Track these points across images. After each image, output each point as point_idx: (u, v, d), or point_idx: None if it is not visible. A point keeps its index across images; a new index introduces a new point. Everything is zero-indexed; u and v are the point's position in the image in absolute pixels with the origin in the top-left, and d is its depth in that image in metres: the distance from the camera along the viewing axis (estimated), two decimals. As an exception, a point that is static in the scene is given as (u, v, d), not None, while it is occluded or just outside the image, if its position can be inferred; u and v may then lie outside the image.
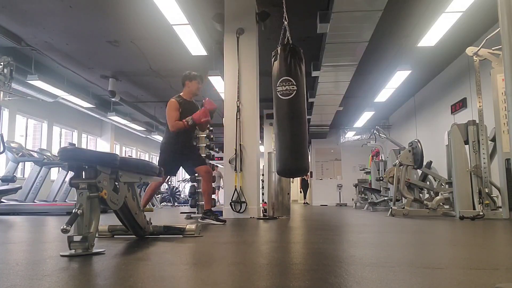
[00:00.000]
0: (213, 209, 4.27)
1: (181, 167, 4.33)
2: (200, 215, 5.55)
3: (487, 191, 5.11)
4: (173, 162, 4.08)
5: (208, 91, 8.99)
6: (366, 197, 10.61)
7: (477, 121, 5.35)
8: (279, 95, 3.68)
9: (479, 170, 5.18)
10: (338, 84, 9.11)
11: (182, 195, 15.47)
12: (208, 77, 7.86)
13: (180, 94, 4.20)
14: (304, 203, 17.17)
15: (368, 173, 12.30)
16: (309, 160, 4.02)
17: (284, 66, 3.72)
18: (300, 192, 17.52)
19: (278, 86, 3.68)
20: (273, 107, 3.76)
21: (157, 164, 4.16)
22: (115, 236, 2.60)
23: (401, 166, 6.17)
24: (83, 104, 10.18)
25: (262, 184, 8.21)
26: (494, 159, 5.37)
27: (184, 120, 3.96)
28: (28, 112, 10.40)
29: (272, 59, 3.79)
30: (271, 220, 4.95)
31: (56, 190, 7.47)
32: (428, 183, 6.90)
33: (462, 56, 7.80)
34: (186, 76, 4.22)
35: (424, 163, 6.39)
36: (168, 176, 4.32)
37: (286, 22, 3.92)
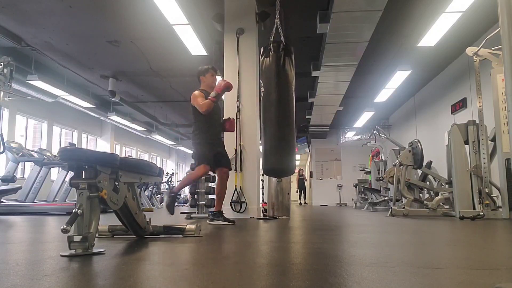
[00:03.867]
0: (212, 209, 4.27)
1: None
2: (201, 215, 5.58)
3: (487, 191, 5.11)
4: (211, 151, 4.05)
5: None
6: (366, 197, 10.61)
7: (477, 121, 5.35)
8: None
9: (479, 170, 5.18)
10: (338, 84, 9.11)
11: (182, 195, 15.46)
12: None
13: (201, 88, 4.23)
14: (299, 203, 17.07)
15: (368, 173, 12.30)
16: (284, 161, 3.91)
17: (260, 67, 3.80)
18: (297, 192, 17.41)
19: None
20: None
21: (195, 157, 4.08)
22: (115, 236, 2.60)
23: (401, 166, 6.17)
24: (83, 104, 10.18)
25: (262, 184, 8.20)
26: (494, 159, 5.37)
27: (208, 98, 3.96)
28: (28, 112, 10.40)
29: None
30: (271, 220, 4.95)
31: (56, 190, 7.46)
32: (428, 183, 6.90)
33: (462, 56, 7.79)
34: (199, 71, 4.27)
35: (424, 163, 6.39)
36: (210, 168, 4.14)
37: (277, 21, 3.95)
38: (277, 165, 3.72)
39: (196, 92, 4.11)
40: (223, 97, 4.85)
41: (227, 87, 4.02)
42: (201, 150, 4.08)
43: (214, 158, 4.08)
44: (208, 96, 4.03)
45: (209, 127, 4.09)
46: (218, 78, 4.33)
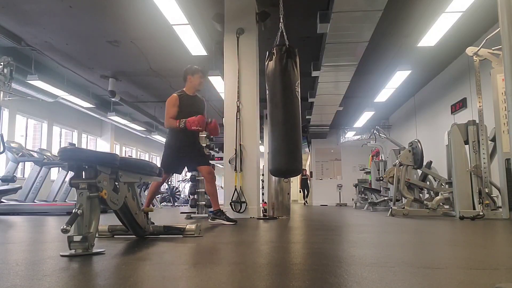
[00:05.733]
0: (212, 209, 4.25)
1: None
2: (201, 215, 5.57)
3: (487, 191, 5.11)
4: (175, 159, 3.97)
5: (208, 91, 8.99)
6: (366, 197, 10.61)
7: (477, 121, 5.35)
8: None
9: (479, 170, 5.18)
10: (338, 84, 9.11)
11: (182, 195, 15.47)
12: (208, 77, 7.87)
13: (183, 89, 4.11)
14: (304, 203, 17.09)
15: (368, 173, 12.31)
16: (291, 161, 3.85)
17: (265, 71, 3.85)
18: (300, 192, 17.45)
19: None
20: None
21: (160, 161, 4.06)
22: (115, 236, 2.60)
23: (401, 166, 6.17)
24: (83, 104, 10.19)
25: (262, 184, 8.21)
26: (494, 159, 5.37)
27: (178, 120, 3.84)
28: (28, 112, 10.40)
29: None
30: (271, 220, 4.95)
31: (56, 190, 7.47)
32: (428, 183, 6.90)
33: (462, 56, 7.80)
34: (187, 70, 4.14)
35: (424, 163, 6.39)
36: (170, 175, 4.20)
37: (282, 25, 3.95)
38: (285, 165, 3.73)
39: (173, 98, 3.94)
40: (203, 94, 4.66)
41: (198, 126, 3.82)
42: (163, 154, 4.02)
43: (179, 164, 4.03)
44: (185, 102, 3.94)
45: (177, 132, 3.89)
46: (217, 79, 4.27)
